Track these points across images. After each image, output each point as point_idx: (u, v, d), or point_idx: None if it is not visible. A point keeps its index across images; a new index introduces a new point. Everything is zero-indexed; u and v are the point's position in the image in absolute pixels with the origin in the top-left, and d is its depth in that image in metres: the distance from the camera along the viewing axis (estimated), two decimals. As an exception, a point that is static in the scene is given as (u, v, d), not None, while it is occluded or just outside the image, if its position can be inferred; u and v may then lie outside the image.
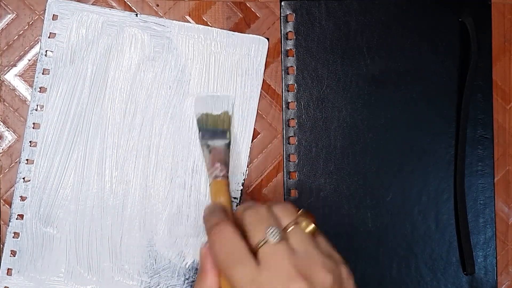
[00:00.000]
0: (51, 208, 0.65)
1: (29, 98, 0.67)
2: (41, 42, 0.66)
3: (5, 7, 0.67)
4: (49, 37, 0.66)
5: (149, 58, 0.66)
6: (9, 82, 0.67)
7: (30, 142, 0.65)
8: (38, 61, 0.66)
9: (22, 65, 0.67)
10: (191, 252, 0.66)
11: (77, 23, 0.66)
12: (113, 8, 0.67)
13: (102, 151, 0.66)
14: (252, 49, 0.67)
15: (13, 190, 0.65)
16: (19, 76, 0.67)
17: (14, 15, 0.67)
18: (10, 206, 0.65)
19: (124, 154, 0.66)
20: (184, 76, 0.67)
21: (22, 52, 0.67)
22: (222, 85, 0.67)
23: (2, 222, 0.66)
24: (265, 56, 0.67)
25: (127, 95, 0.66)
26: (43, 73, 0.66)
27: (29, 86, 0.67)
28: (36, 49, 0.67)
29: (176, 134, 0.66)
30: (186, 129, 0.66)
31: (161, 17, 0.67)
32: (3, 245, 0.65)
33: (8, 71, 0.67)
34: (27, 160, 0.65)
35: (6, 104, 0.67)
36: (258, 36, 0.67)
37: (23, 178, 0.65)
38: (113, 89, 0.66)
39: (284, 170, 0.67)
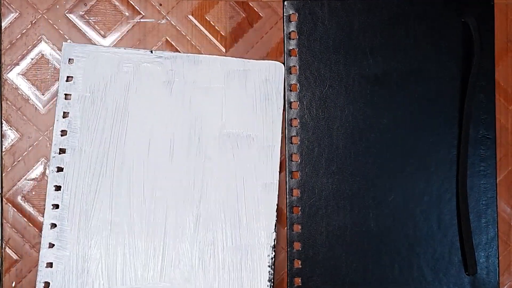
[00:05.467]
0: (81, 252, 0.64)
1: (31, 96, 0.67)
2: (59, 86, 0.66)
3: (8, 6, 0.67)
4: (66, 81, 0.66)
5: (168, 92, 0.66)
6: (12, 81, 0.67)
7: (55, 186, 0.65)
8: (57, 104, 0.65)
9: (25, 64, 0.67)
10: (225, 287, 0.65)
11: (93, 64, 0.66)
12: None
13: (129, 189, 0.65)
14: (269, 74, 0.67)
15: (41, 236, 0.65)
16: (22, 75, 0.67)
17: (17, 14, 0.67)
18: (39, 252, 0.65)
19: (151, 191, 0.65)
20: (203, 107, 0.66)
21: (25, 51, 0.67)
22: (243, 113, 0.66)
23: (4, 221, 0.66)
24: (283, 80, 0.67)
25: (149, 131, 0.66)
26: (63, 116, 0.65)
27: (32, 85, 0.67)
28: (39, 48, 0.67)
29: (201, 167, 0.66)
30: (211, 162, 0.66)
31: (176, 51, 0.67)
32: (5, 245, 0.65)
33: (11, 69, 0.67)
34: (52, 205, 0.65)
35: (8, 103, 0.67)
36: (274, 62, 0.67)
37: (51, 224, 0.64)
38: (134, 126, 0.66)
39: (287, 169, 0.67)
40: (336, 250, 0.67)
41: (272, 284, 0.65)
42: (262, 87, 0.67)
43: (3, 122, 0.67)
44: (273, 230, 0.65)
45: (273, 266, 0.65)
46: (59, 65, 0.67)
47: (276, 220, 0.66)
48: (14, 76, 0.67)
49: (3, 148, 0.66)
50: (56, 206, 0.65)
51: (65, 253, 0.64)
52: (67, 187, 0.65)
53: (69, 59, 0.66)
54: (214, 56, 0.67)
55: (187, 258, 0.65)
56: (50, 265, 0.64)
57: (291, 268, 0.67)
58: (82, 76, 0.66)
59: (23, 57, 0.67)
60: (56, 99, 0.66)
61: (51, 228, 0.64)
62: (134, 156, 0.65)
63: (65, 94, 0.66)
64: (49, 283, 0.64)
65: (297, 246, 0.67)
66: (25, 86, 0.67)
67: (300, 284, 0.67)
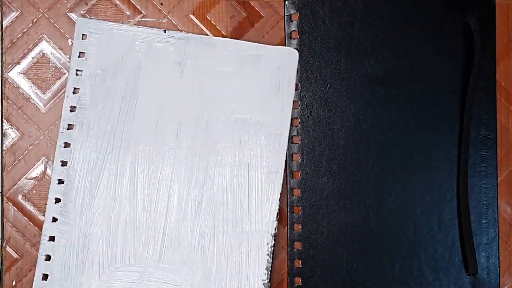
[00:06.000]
0: (83, 228, 0.64)
1: (32, 95, 0.67)
2: (71, 61, 0.66)
3: (9, 5, 0.67)
4: (79, 57, 0.66)
5: (179, 73, 0.66)
6: (13, 80, 0.67)
7: (61, 161, 0.65)
8: (68, 80, 0.65)
9: (26, 63, 0.67)
10: (222, 271, 0.65)
11: (106, 41, 0.66)
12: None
13: (134, 169, 0.65)
14: (282, 61, 0.66)
15: (45, 209, 0.65)
16: (22, 74, 0.67)
17: (18, 12, 0.67)
18: (42, 226, 0.65)
19: (156, 172, 0.65)
20: (214, 91, 0.66)
21: (26, 50, 0.67)
22: (253, 98, 0.66)
23: (5, 220, 0.66)
24: (296, 68, 0.67)
25: (157, 111, 0.65)
26: (73, 92, 0.65)
27: (33, 84, 0.67)
28: (40, 47, 0.67)
29: (207, 151, 0.66)
30: (217, 147, 0.66)
31: (187, 32, 0.67)
32: (6, 244, 0.65)
33: (12, 68, 0.67)
34: (58, 180, 0.65)
35: (9, 101, 0.67)
36: (288, 48, 0.67)
37: (55, 199, 0.65)
38: (143, 106, 0.65)
39: (287, 169, 0.67)
40: (337, 250, 0.67)
41: (270, 272, 0.65)
42: (274, 74, 0.66)
43: (4, 121, 0.67)
44: (274, 219, 0.65)
45: (272, 255, 0.65)
46: (60, 64, 0.67)
47: (279, 209, 0.66)
48: (15, 75, 0.67)
49: (4, 147, 0.66)
50: (61, 181, 0.65)
51: (68, 228, 0.64)
52: (73, 163, 0.65)
53: (83, 34, 0.66)
54: (228, 39, 0.67)
55: (187, 241, 0.65)
56: (52, 239, 0.64)
57: (291, 268, 0.67)
58: (95, 52, 0.66)
59: (24, 56, 0.67)
60: (68, 75, 0.66)
61: (55, 203, 0.64)
62: (141, 136, 0.65)
63: (77, 70, 0.66)
64: (50, 256, 0.64)
65: (298, 245, 0.67)
66: (26, 85, 0.67)
67: (301, 284, 0.67)
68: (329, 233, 0.67)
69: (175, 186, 0.65)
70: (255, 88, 0.66)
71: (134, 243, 0.64)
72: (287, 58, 0.66)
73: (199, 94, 0.66)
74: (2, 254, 0.66)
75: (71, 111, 0.65)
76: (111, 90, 0.65)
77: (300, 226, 0.67)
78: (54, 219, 0.64)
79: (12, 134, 0.67)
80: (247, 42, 0.67)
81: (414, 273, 0.67)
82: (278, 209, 0.66)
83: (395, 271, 0.67)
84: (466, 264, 0.67)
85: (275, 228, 0.65)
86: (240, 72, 0.66)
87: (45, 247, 0.64)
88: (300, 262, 0.67)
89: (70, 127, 0.65)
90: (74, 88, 0.65)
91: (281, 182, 0.66)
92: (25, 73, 0.67)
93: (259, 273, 0.65)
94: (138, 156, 0.65)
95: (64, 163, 0.65)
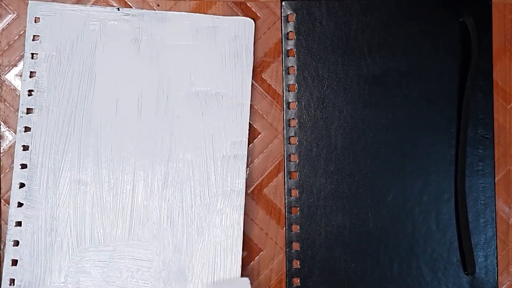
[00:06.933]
0: (50, 211, 0.64)
1: (29, 98, 0.67)
2: (25, 46, 0.66)
3: (6, 7, 0.67)
4: (33, 40, 0.66)
5: (135, 50, 0.66)
6: (10, 82, 0.67)
7: (22, 146, 0.65)
8: (24, 64, 0.65)
9: (22, 65, 0.67)
10: (193, 244, 0.65)
11: (59, 23, 0.66)
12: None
13: (97, 148, 0.65)
14: (238, 31, 0.67)
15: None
16: (19, 76, 0.67)
17: (15, 15, 0.67)
18: (8, 212, 0.65)
19: (119, 149, 0.65)
20: (172, 65, 0.66)
21: (23, 52, 0.67)
22: (212, 70, 0.66)
23: (2, 222, 0.66)
24: (253, 37, 0.67)
25: (117, 89, 0.66)
26: (30, 76, 0.65)
27: (30, 86, 0.67)
28: (36, 49, 0.67)
29: (169, 126, 0.66)
30: (179, 120, 0.66)
31: (143, 8, 0.67)
32: (4, 246, 0.65)
33: (9, 71, 0.67)
34: (21, 165, 0.65)
35: (7, 104, 0.67)
36: (243, 18, 0.67)
37: (19, 184, 0.65)
38: (102, 85, 0.65)
39: (285, 169, 0.67)
40: (335, 250, 0.67)
41: (241, 242, 0.65)
42: (232, 44, 0.67)
43: (1, 123, 0.66)
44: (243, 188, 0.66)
45: (241, 224, 0.66)
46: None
47: (246, 178, 0.66)
48: (12, 77, 0.67)
49: (1, 149, 0.66)
50: (24, 166, 0.65)
51: (34, 212, 0.64)
52: (35, 147, 0.65)
53: (35, 18, 0.66)
54: (182, 12, 0.67)
55: (156, 216, 0.65)
56: (19, 224, 0.64)
57: (289, 268, 0.67)
58: (49, 34, 0.66)
59: (21, 58, 0.67)
60: (23, 59, 0.66)
61: (19, 188, 0.64)
62: (102, 115, 0.65)
63: (32, 54, 0.66)
64: (18, 241, 0.64)
65: (296, 246, 0.67)
66: (23, 87, 0.67)
67: (299, 285, 0.67)
68: (327, 234, 0.67)
69: (140, 163, 0.65)
70: (213, 59, 0.66)
71: (103, 222, 0.65)
72: (243, 27, 0.67)
73: (157, 69, 0.66)
74: (1, 256, 0.65)
75: (29, 95, 0.65)
76: (68, 72, 0.65)
77: (298, 227, 0.67)
78: (20, 204, 0.64)
79: (9, 137, 0.66)
80: (201, 14, 0.67)
81: (413, 273, 0.67)
82: (246, 178, 0.66)
83: (394, 271, 0.67)
84: (464, 264, 0.68)
85: (244, 198, 0.66)
86: (197, 45, 0.66)
87: (12, 232, 0.64)
88: (299, 263, 0.67)
89: (29, 111, 0.65)
90: (31, 72, 0.65)
91: (246, 150, 0.66)
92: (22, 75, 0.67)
93: (231, 244, 0.65)
94: (100, 135, 0.65)
95: (25, 148, 0.65)
